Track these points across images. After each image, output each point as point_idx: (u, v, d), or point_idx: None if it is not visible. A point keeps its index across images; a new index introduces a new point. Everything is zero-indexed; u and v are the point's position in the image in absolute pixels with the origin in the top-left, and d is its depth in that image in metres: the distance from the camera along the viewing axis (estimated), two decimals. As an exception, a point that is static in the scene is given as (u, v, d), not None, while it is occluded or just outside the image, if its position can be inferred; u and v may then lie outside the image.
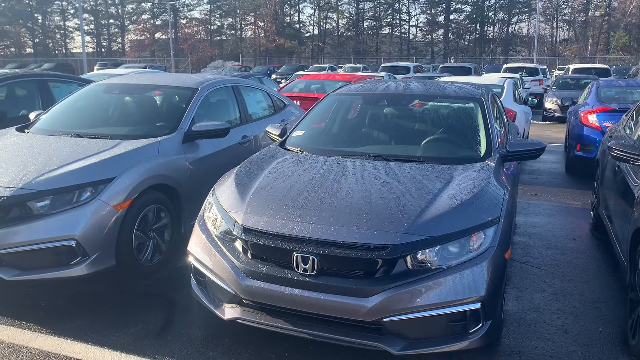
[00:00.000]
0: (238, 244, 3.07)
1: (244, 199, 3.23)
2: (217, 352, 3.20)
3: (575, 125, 8.46)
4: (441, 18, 65.77)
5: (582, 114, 8.26)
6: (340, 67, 34.78)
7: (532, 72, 22.89)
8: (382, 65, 29.31)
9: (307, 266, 2.82)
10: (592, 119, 8.06)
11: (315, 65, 37.78)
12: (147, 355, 3.16)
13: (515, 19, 63.82)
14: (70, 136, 4.55)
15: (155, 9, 66.02)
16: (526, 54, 58.47)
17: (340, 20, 67.48)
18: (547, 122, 16.02)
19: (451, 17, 65.04)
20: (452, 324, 2.81)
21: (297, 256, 2.84)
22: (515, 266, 4.59)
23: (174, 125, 4.70)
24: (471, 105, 4.40)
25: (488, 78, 11.57)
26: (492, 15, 64.51)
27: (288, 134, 4.45)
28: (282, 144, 4.31)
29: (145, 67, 28.86)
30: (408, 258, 2.79)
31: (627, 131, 5.31)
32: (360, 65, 35.24)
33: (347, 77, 12.06)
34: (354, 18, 66.76)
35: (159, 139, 4.47)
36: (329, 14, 67.52)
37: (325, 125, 4.70)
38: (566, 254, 4.93)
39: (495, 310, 2.93)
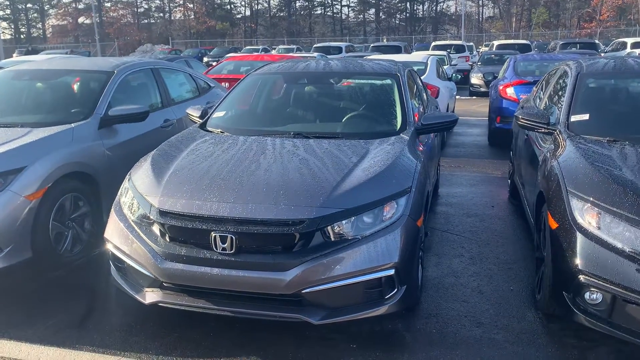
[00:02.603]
0: (155, 228, 3.04)
1: (160, 182, 3.19)
2: (141, 336, 3.18)
3: (495, 99, 8.83)
4: (372, -3, 66.30)
5: (500, 88, 8.63)
6: (274, 49, 34.45)
7: (459, 49, 23.63)
8: (315, 45, 29.25)
9: (225, 245, 2.83)
10: (510, 91, 8.45)
11: (249, 47, 37.18)
12: (68, 346, 3.09)
13: (443, -3, 65.34)
14: (-24, 126, 4.31)
15: (77, -8, 62.75)
16: (455, 31, 60.02)
17: (272, 1, 66.73)
18: (474, 97, 16.59)
19: (382, -4, 65.73)
20: (368, 291, 2.91)
21: (215, 236, 2.85)
22: (436, 234, 4.78)
23: (89, 110, 4.55)
24: (388, 81, 4.51)
25: (414, 56, 11.84)
26: (422, -6, 65.68)
27: (209, 115, 4.40)
28: (202, 126, 4.26)
29: (67, 53, 27.57)
30: (324, 230, 2.86)
31: (537, 101, 5.61)
32: (294, 47, 35.04)
33: (276, 57, 11.99)
34: (286, -2, 66.12)
35: (72, 125, 4.31)
36: (261, -5, 66.54)
37: (246, 106, 4.68)
38: (485, 221, 5.18)
39: (411, 276, 3.06)
